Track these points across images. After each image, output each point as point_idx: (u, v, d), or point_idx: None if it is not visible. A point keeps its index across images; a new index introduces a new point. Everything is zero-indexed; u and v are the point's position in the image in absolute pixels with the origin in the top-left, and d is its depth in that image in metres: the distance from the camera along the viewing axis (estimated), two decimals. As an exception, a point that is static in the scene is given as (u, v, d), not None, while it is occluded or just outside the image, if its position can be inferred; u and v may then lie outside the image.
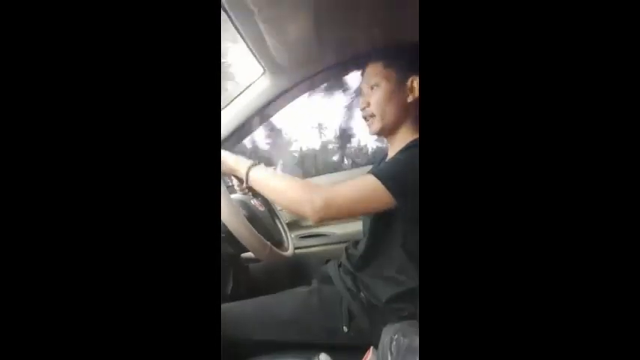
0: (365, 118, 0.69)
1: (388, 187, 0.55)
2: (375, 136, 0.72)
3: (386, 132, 0.69)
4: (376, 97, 0.67)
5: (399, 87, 0.66)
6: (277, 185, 0.60)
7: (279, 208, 0.94)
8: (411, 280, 0.61)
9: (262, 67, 0.85)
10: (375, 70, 0.68)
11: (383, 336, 0.51)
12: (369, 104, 0.68)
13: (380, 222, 0.65)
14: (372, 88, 0.68)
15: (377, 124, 0.67)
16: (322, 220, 0.58)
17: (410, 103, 0.66)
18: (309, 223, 1.11)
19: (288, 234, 0.87)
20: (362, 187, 0.57)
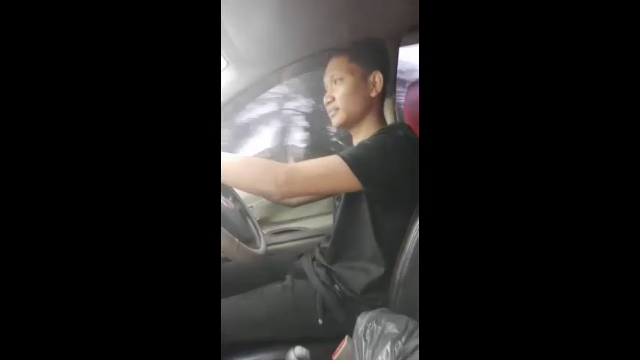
0: (329, 111, 0.70)
1: (352, 168, 0.56)
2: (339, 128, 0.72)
3: (349, 124, 0.70)
4: (341, 91, 0.67)
5: (362, 81, 0.67)
6: (233, 167, 0.57)
7: (250, 205, 0.92)
8: (381, 267, 0.62)
9: (225, 59, 0.82)
10: (339, 64, 0.68)
11: (357, 325, 0.52)
12: (333, 98, 0.68)
13: (348, 211, 0.65)
14: (335, 82, 0.68)
15: (340, 116, 0.68)
16: (285, 197, 0.58)
17: (373, 97, 0.68)
18: (282, 219, 1.10)
19: (260, 231, 0.85)
20: (326, 165, 0.57)
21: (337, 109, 0.68)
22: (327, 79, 0.70)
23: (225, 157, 0.58)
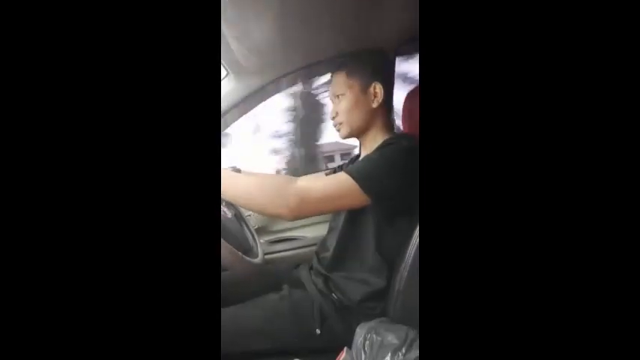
0: (335, 125, 0.73)
1: (362, 186, 0.56)
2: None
3: (355, 135, 0.72)
4: (343, 106, 0.70)
5: (362, 94, 0.69)
6: (246, 188, 0.58)
7: (247, 214, 0.91)
8: (382, 279, 0.62)
9: (225, 69, 0.83)
10: (339, 79, 0.71)
11: (356, 336, 0.52)
12: (337, 113, 0.71)
13: (352, 222, 0.65)
14: (338, 97, 0.71)
15: (345, 130, 0.71)
16: (297, 219, 0.58)
17: (375, 107, 0.69)
18: (279, 227, 1.09)
19: (257, 240, 0.85)
20: (336, 184, 0.58)
21: (341, 123, 0.71)
22: (330, 95, 0.73)
23: (236, 178, 0.59)
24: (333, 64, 0.76)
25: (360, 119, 0.70)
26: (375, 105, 0.69)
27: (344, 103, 0.69)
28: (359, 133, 0.72)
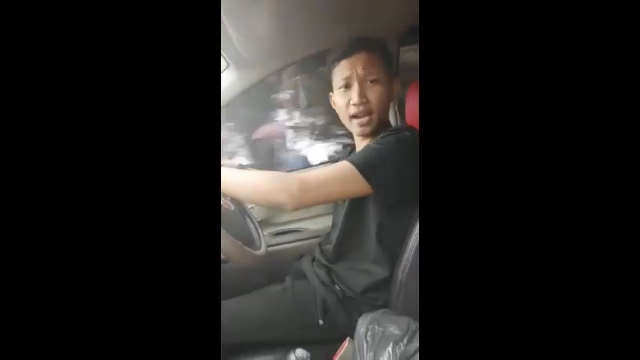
0: (357, 113, 0.63)
1: (364, 174, 0.55)
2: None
3: (375, 134, 0.65)
4: (377, 93, 0.61)
5: (390, 87, 0.65)
6: (246, 182, 0.58)
7: (250, 206, 0.92)
8: (385, 270, 0.62)
9: (226, 60, 0.82)
10: (375, 62, 0.62)
11: (358, 327, 0.52)
12: (367, 100, 0.62)
13: (354, 212, 0.65)
14: (370, 82, 0.62)
15: (373, 124, 0.63)
16: (300, 207, 0.57)
17: (391, 104, 0.68)
18: (282, 219, 1.10)
19: (260, 232, 0.85)
20: (336, 172, 0.57)
21: (371, 113, 0.62)
22: (354, 74, 0.62)
23: (237, 173, 0.58)
24: (351, 47, 0.62)
25: (386, 114, 0.65)
26: (391, 101, 0.67)
27: (378, 91, 0.61)
28: (378, 131, 0.64)
